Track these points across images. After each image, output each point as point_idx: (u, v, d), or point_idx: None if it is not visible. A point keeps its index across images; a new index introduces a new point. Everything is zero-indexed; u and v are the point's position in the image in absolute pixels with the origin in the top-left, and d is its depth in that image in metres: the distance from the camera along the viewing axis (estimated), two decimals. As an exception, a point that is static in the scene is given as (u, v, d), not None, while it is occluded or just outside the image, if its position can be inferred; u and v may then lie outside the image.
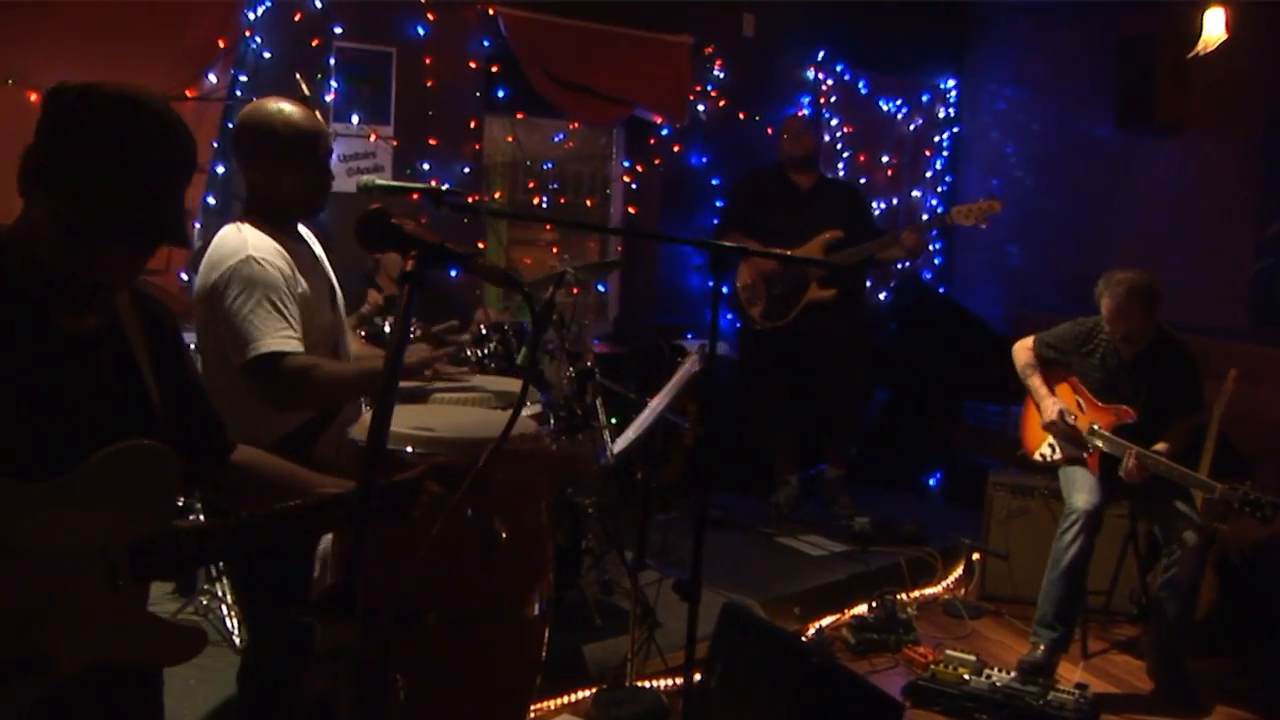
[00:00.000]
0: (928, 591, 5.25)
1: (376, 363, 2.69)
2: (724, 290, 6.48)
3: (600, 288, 6.77)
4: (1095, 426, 4.41)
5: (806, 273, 5.63)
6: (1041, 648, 4.28)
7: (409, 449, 2.39)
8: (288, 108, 2.63)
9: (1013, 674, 4.10)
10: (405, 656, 2.37)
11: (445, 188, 2.76)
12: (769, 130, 7.00)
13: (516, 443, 2.10)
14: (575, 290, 4.62)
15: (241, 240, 2.55)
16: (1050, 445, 4.59)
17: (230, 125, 5.01)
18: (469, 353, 3.83)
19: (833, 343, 5.77)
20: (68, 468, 1.59)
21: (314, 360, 2.52)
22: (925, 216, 7.72)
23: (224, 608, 4.02)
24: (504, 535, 2.28)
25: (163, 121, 1.58)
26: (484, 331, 4.28)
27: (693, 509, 5.61)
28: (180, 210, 1.65)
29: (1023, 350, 4.70)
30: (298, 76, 4.56)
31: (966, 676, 4.06)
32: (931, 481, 6.76)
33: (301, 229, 2.83)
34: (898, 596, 4.84)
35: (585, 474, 2.22)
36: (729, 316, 6.37)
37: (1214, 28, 4.69)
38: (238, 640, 3.82)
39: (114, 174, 1.54)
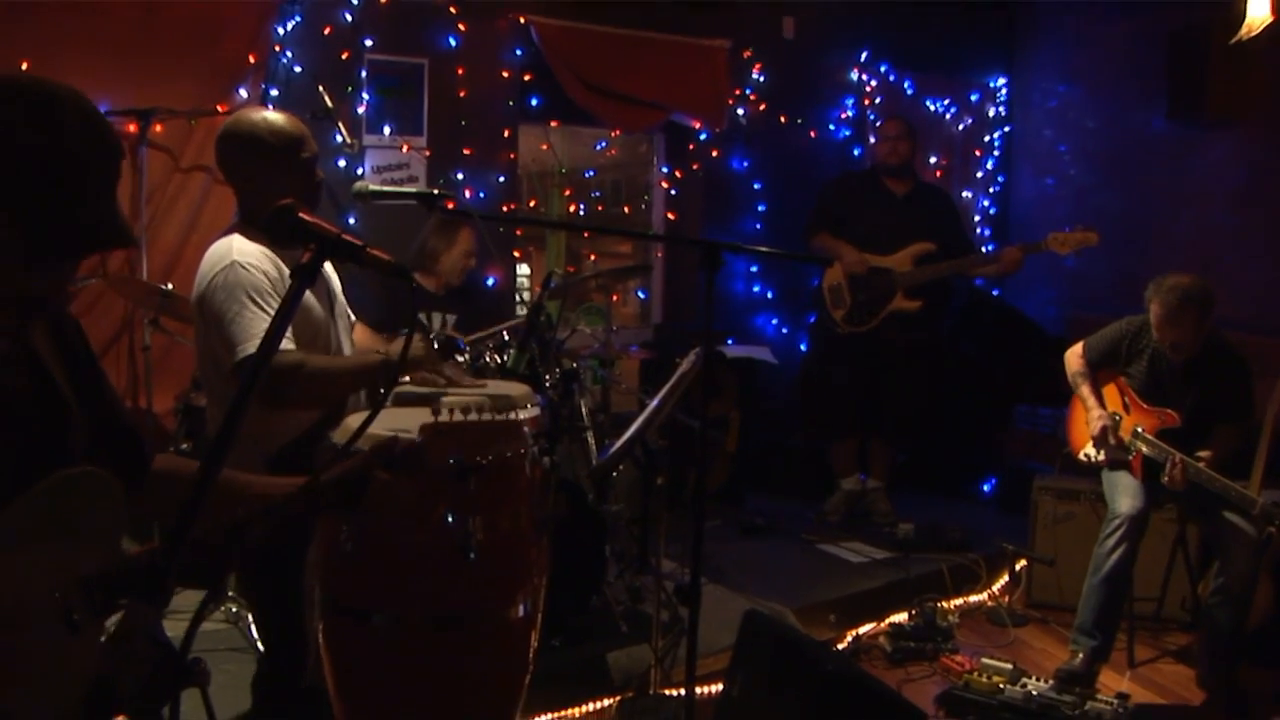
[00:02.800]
0: (971, 599, 5.13)
1: (370, 357, 2.68)
2: (769, 294, 6.60)
3: (640, 294, 6.74)
4: (1139, 429, 4.27)
5: (894, 281, 5.56)
6: (1080, 656, 4.15)
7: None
8: (270, 115, 2.65)
9: (1050, 683, 3.97)
10: (384, 658, 2.37)
11: (436, 192, 2.76)
12: (812, 134, 6.95)
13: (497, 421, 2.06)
14: (596, 298, 4.59)
15: (228, 248, 2.58)
16: (1095, 445, 4.46)
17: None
18: (486, 359, 3.82)
19: (910, 354, 5.73)
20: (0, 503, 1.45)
21: (302, 356, 2.52)
22: (976, 218, 7.59)
23: (250, 615, 4.05)
24: (479, 537, 2.26)
25: (93, 118, 1.53)
26: (505, 338, 4.26)
27: (739, 516, 5.66)
28: (119, 211, 1.62)
29: (1073, 358, 4.59)
30: (320, 90, 4.59)
31: (1002, 685, 3.94)
32: (985, 488, 6.61)
33: None
34: (939, 604, 4.74)
35: (525, 442, 2.19)
36: (774, 319, 6.31)
37: (1259, 10, 4.52)
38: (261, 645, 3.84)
39: (66, 186, 1.49)
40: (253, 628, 4.01)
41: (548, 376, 3.77)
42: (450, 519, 2.25)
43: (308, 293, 2.64)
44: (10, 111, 1.46)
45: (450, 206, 2.87)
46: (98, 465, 1.59)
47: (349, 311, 3.02)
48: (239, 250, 2.56)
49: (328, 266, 2.90)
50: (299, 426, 2.66)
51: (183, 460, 1.90)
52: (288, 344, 2.51)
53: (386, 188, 2.85)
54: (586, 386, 4.47)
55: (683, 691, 3.89)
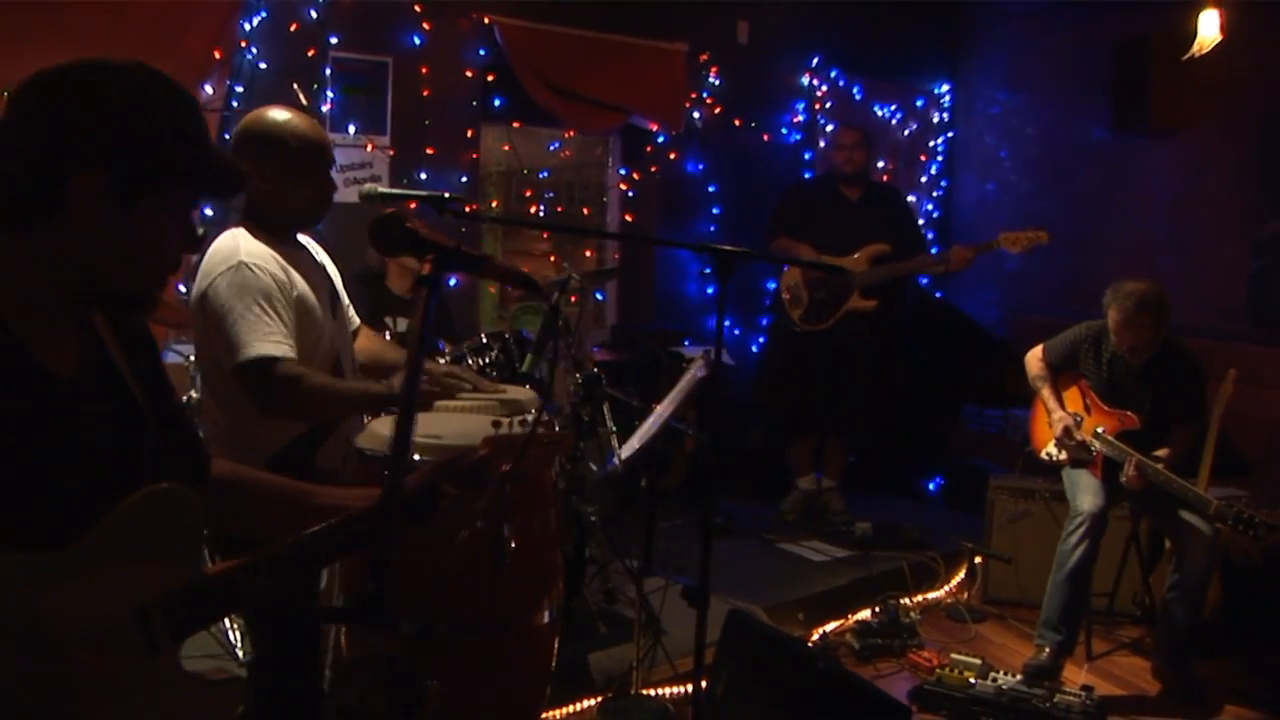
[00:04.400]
0: (930, 595, 5.24)
1: (372, 388, 2.65)
2: (720, 293, 6.63)
3: (598, 295, 6.76)
4: (1100, 430, 4.41)
5: (850, 281, 5.67)
6: (1047, 650, 4.28)
7: (415, 456, 2.38)
8: (293, 117, 2.62)
9: (1018, 677, 4.09)
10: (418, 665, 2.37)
11: (447, 195, 2.76)
12: (765, 137, 7.03)
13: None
14: (574, 298, 4.62)
15: (234, 246, 2.54)
16: (1057, 444, 4.58)
17: (227, 136, 5.00)
18: (471, 362, 3.82)
19: (865, 353, 5.85)
20: (82, 529, 1.42)
21: (306, 371, 2.50)
22: (921, 221, 7.75)
23: (227, 620, 3.99)
24: (514, 544, 2.27)
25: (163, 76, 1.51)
26: (484, 340, 4.27)
27: (695, 515, 5.71)
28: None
29: (1034, 361, 4.71)
30: (295, 87, 4.54)
31: (972, 680, 4.05)
32: (932, 486, 6.76)
33: (301, 236, 2.82)
34: (901, 601, 4.84)
35: (565, 455, 2.20)
36: (728, 320, 6.38)
37: (1209, 29, 4.70)
38: (241, 654, 3.79)
39: (196, 136, 1.49)
40: (230, 633, 3.96)
41: (572, 380, 3.78)
42: (485, 525, 2.26)
43: (310, 295, 2.64)
44: (99, 76, 1.44)
45: (469, 210, 2.85)
46: (163, 471, 1.57)
47: (354, 316, 3.00)
48: (246, 250, 2.53)
49: (332, 272, 2.89)
50: (298, 429, 2.65)
51: (241, 467, 1.86)
52: (289, 351, 2.49)
53: (396, 191, 2.83)
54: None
55: (664, 691, 3.97)
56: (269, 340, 2.45)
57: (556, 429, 2.05)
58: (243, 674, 3.63)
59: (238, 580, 1.57)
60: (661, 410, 3.30)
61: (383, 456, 2.51)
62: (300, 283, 2.63)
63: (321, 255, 2.88)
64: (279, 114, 2.61)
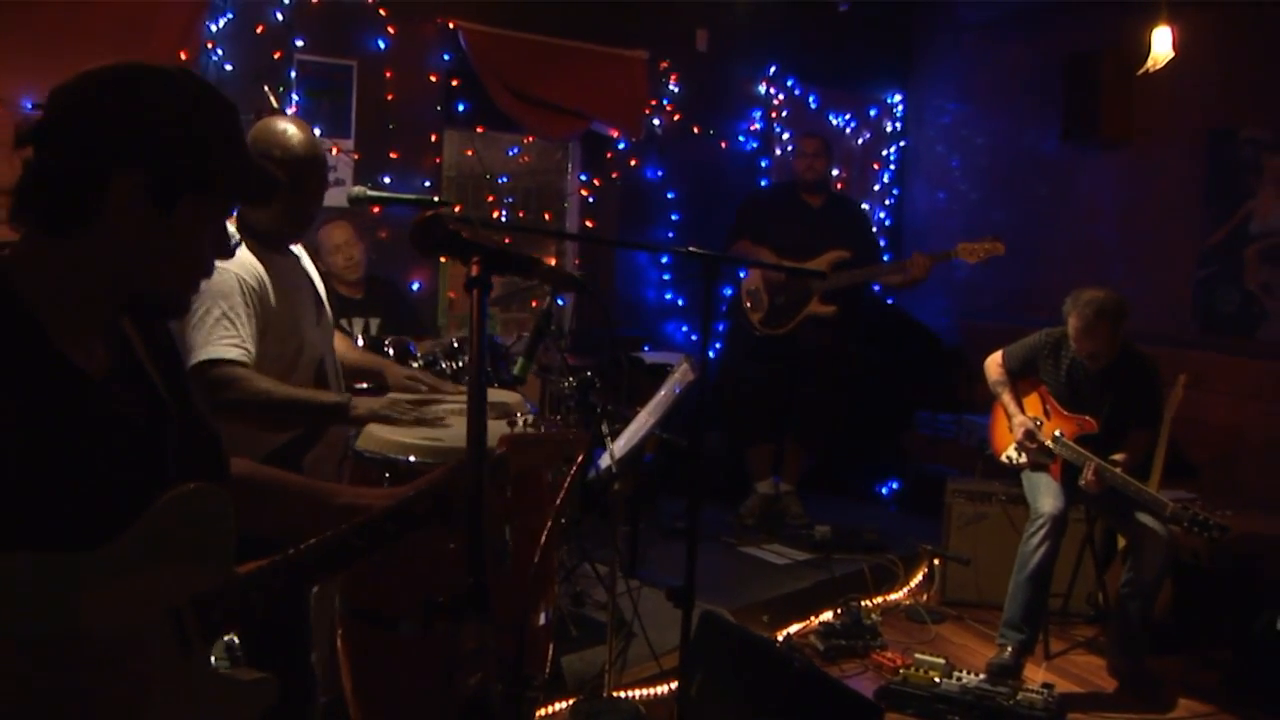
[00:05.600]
0: (891, 597, 5.33)
1: (322, 397, 2.60)
2: (680, 302, 6.75)
3: (559, 301, 6.77)
4: (1059, 434, 4.52)
5: (810, 286, 5.75)
6: (1009, 650, 4.37)
7: (411, 458, 2.39)
8: (300, 130, 2.60)
9: (981, 676, 4.18)
10: (413, 664, 2.39)
11: (436, 199, 2.77)
12: (722, 144, 7.10)
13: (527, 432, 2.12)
14: (535, 303, 4.64)
15: None
16: (1017, 447, 4.69)
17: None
18: (444, 366, 3.82)
19: (824, 358, 5.91)
20: (116, 529, 1.42)
21: (248, 373, 2.46)
22: (873, 229, 7.86)
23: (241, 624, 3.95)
24: (513, 545, 2.29)
25: (204, 82, 1.52)
26: (455, 344, 4.27)
27: (659, 519, 5.75)
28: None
29: (993, 366, 4.81)
30: (265, 90, 4.52)
31: (937, 679, 4.13)
32: (885, 490, 6.86)
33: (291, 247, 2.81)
34: (862, 603, 4.92)
35: (581, 451, 2.22)
36: (685, 326, 6.44)
37: (1162, 46, 4.84)
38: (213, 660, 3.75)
39: (235, 143, 1.49)
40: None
41: (564, 384, 3.79)
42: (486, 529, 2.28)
43: (289, 312, 2.62)
44: (143, 79, 1.44)
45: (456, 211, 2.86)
46: (187, 471, 1.57)
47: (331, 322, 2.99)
48: None
49: (316, 281, 2.88)
50: (280, 438, 2.64)
51: (260, 467, 1.85)
52: (239, 355, 2.46)
53: (381, 194, 2.83)
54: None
55: (636, 693, 4.00)
56: (220, 343, 2.44)
57: (571, 430, 2.07)
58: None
59: (269, 579, 1.57)
60: (645, 417, 3.33)
61: (380, 458, 2.52)
62: (275, 290, 2.60)
63: (307, 261, 2.87)
64: (288, 126, 2.59)
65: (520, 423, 1.91)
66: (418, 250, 1.51)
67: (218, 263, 2.45)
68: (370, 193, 2.78)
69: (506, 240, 5.99)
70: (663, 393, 3.30)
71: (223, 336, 2.44)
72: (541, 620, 2.46)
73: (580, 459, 1.79)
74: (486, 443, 1.41)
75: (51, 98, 1.42)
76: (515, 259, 1.48)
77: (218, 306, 2.46)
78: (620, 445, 3.23)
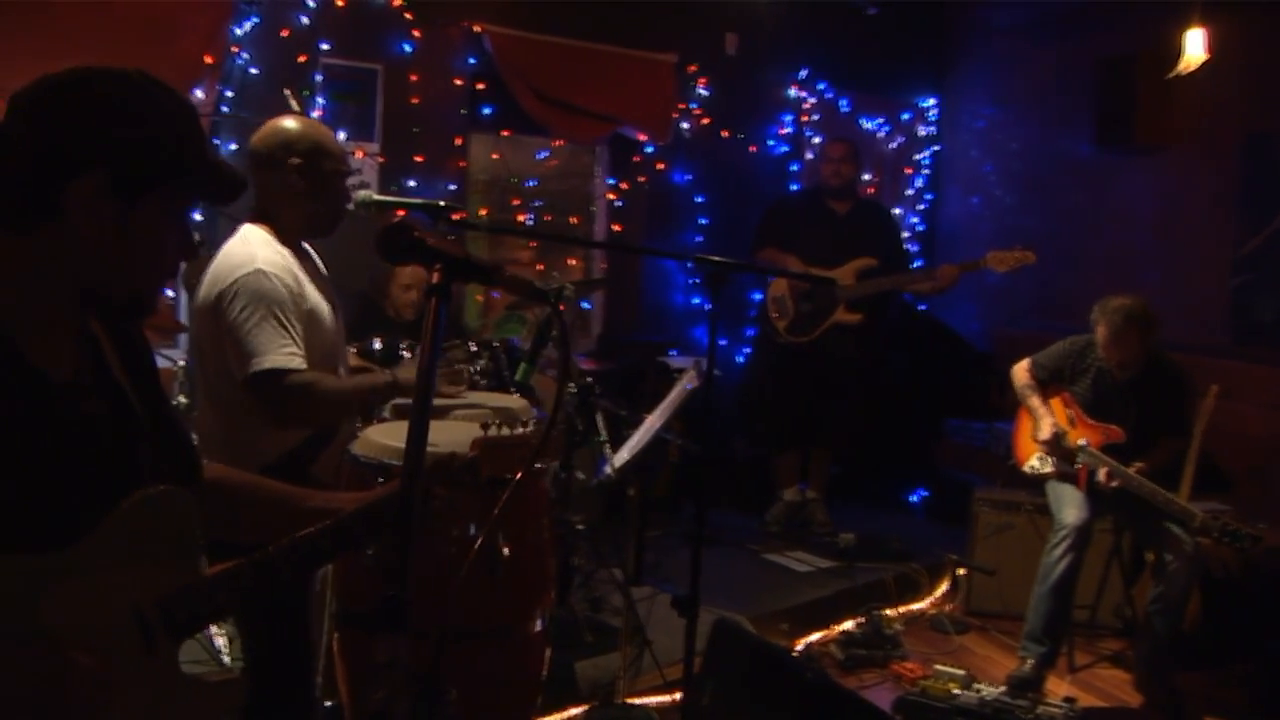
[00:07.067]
0: (914, 607, 5.27)
1: (375, 378, 2.69)
2: (707, 307, 6.66)
3: (584, 305, 6.78)
4: (1084, 443, 4.44)
5: (836, 294, 5.70)
6: (1030, 662, 4.30)
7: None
8: (280, 122, 2.63)
9: (1002, 689, 4.11)
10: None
11: (443, 204, 2.76)
12: (752, 149, 7.07)
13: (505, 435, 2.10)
14: (562, 306, 4.60)
15: (250, 253, 2.53)
16: (1040, 458, 4.61)
17: (217, 141, 4.99)
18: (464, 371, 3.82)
19: (849, 366, 5.87)
20: (81, 531, 1.43)
21: (315, 376, 2.51)
22: (906, 235, 7.79)
23: (210, 625, 3.97)
24: (506, 552, 2.28)
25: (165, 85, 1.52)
26: (473, 349, 4.27)
27: (682, 525, 5.73)
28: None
29: (1020, 372, 4.73)
30: (286, 93, 4.54)
31: (956, 691, 4.07)
32: (914, 498, 6.79)
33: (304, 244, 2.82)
34: (884, 612, 4.86)
35: (555, 458, 2.22)
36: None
37: (1194, 48, 4.75)
38: (227, 659, 3.77)
39: (195, 141, 1.49)
40: (216, 639, 3.94)
41: (569, 389, 3.78)
42: (477, 533, 2.27)
43: (320, 304, 2.64)
44: (109, 86, 1.44)
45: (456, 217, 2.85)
46: (158, 475, 1.57)
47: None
48: (263, 258, 2.52)
49: (324, 272, 2.89)
50: (297, 437, 2.64)
51: (233, 471, 1.85)
52: (300, 363, 2.49)
53: (391, 198, 2.83)
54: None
55: (649, 700, 3.97)
56: (282, 352, 2.46)
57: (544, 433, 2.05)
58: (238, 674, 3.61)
59: (235, 581, 1.58)
60: (652, 421, 3.30)
61: (376, 463, 2.52)
62: (311, 292, 2.63)
63: (318, 261, 2.89)
64: (320, 125, 2.63)
65: (496, 426, 1.89)
66: (383, 257, 1.50)
67: (266, 267, 2.52)
68: (377, 197, 2.77)
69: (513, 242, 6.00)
70: (669, 398, 3.27)
71: (282, 345, 2.47)
72: (537, 627, 2.44)
73: (522, 468, 1.75)
74: (424, 455, 1.39)
75: (11, 101, 1.43)
76: (478, 267, 1.47)
77: (272, 313, 2.48)
78: (624, 452, 3.21)
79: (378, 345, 3.97)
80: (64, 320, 1.51)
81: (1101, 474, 4.27)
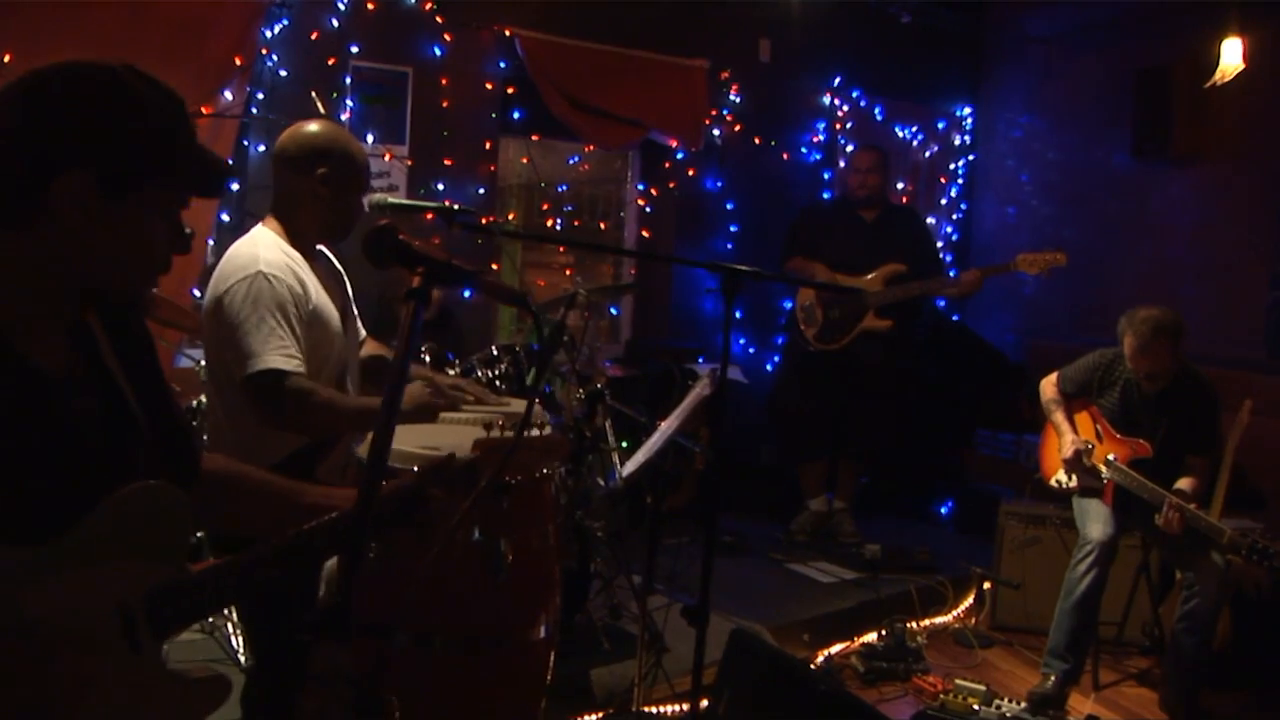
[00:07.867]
0: (938, 620, 5.20)
1: (370, 401, 2.66)
2: (736, 314, 6.65)
3: (613, 310, 6.77)
4: (1111, 458, 4.37)
5: (865, 300, 5.67)
6: (1052, 679, 4.23)
7: (414, 468, 2.37)
8: (304, 125, 2.64)
9: (1023, 705, 4.05)
10: (410, 679, 2.36)
11: (457, 207, 2.76)
12: (785, 156, 7.03)
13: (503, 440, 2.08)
14: (588, 314, 4.62)
15: (254, 255, 2.54)
16: (1066, 470, 4.54)
17: (246, 142, 5.03)
18: (480, 375, 3.82)
19: (879, 374, 5.83)
20: (67, 525, 1.42)
21: (313, 386, 2.49)
22: (940, 244, 7.72)
23: (229, 625, 4.00)
24: (510, 557, 2.26)
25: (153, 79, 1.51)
26: (495, 353, 4.27)
27: (703, 534, 5.69)
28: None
29: (1048, 386, 4.68)
30: (313, 95, 4.56)
31: (976, 706, 4.02)
32: (943, 510, 6.72)
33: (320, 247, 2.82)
34: (908, 625, 4.81)
35: (560, 462, 2.20)
36: (743, 339, 6.37)
37: (1232, 58, 4.67)
38: (243, 659, 3.79)
39: (181, 135, 1.49)
40: (233, 638, 3.97)
41: (577, 395, 3.78)
42: (482, 538, 2.25)
43: (325, 315, 2.64)
44: (95, 77, 1.44)
45: (484, 221, 2.85)
46: (154, 470, 1.56)
47: (361, 328, 3.00)
48: (265, 260, 2.53)
49: (347, 285, 2.89)
50: (302, 440, 2.64)
51: (233, 463, 1.85)
52: (299, 366, 2.48)
53: (405, 201, 2.83)
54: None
55: (665, 709, 3.95)
56: (280, 354, 2.45)
57: (547, 434, 2.03)
58: (226, 671, 3.63)
59: (221, 579, 1.57)
60: (666, 427, 3.28)
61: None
62: (316, 294, 2.63)
63: (336, 264, 2.89)
64: (349, 134, 2.64)
65: (498, 428, 1.87)
66: (369, 260, 1.49)
67: (268, 269, 2.52)
68: (392, 200, 2.78)
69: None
70: (683, 405, 3.25)
71: (281, 347, 2.46)
72: (541, 634, 2.42)
73: (510, 469, 1.74)
74: (386, 460, 1.37)
75: None
76: (460, 272, 1.45)
77: (272, 315, 2.48)
78: (638, 458, 3.19)
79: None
80: (55, 315, 1.51)
81: (1171, 517, 4.12)
